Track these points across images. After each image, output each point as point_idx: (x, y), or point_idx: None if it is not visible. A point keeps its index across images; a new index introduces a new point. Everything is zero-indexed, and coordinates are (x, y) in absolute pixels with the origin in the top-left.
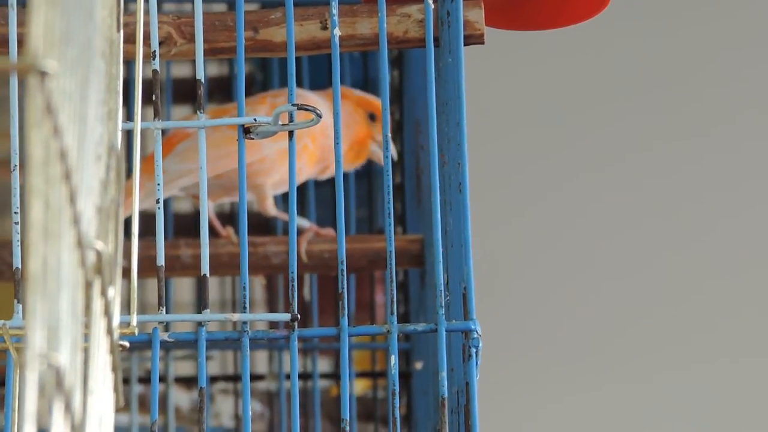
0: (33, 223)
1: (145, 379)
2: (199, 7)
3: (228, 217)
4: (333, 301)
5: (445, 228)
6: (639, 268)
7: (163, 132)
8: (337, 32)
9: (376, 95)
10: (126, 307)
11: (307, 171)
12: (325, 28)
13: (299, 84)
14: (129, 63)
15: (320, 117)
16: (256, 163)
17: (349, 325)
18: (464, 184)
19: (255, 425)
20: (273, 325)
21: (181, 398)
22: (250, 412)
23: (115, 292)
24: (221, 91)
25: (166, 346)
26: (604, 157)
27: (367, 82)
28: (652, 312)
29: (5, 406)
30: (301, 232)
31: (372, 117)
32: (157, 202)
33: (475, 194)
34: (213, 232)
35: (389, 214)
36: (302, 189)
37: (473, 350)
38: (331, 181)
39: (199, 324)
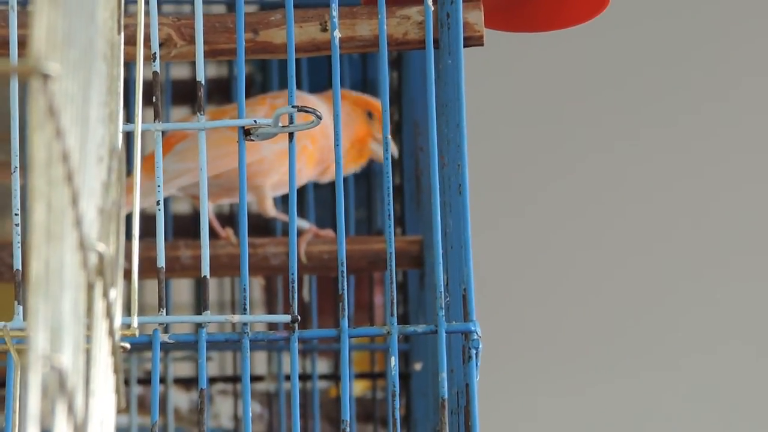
0: (36, 225)
1: (144, 381)
2: (199, 9)
3: (227, 218)
4: (332, 302)
5: (445, 229)
6: (640, 268)
7: (162, 132)
8: (337, 34)
9: (376, 97)
10: (125, 309)
11: (306, 172)
12: (324, 29)
13: (298, 86)
14: (128, 65)
15: (320, 118)
16: (255, 164)
17: (348, 326)
18: (464, 186)
19: (254, 426)
20: (272, 326)
21: (180, 399)
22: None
23: (116, 294)
24: (220, 92)
25: (165, 348)
26: (604, 159)
27: (366, 83)
28: (654, 312)
29: (5, 408)
30: (300, 233)
31: (370, 115)
32: (158, 203)
33: (475, 196)
34: (212, 233)
35: (389, 215)
36: (301, 190)
37: (473, 351)
38: (330, 183)
39: (199, 325)
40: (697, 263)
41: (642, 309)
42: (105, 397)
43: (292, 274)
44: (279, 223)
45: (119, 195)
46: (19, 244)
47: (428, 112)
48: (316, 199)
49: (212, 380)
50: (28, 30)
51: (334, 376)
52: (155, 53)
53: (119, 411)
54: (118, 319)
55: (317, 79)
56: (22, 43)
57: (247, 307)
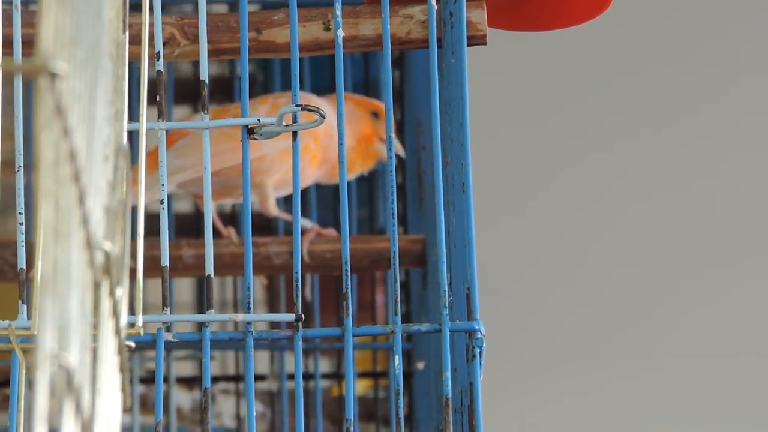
0: (44, 224)
1: (147, 380)
2: (202, 9)
3: (229, 217)
4: (334, 301)
5: (448, 228)
6: (642, 268)
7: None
8: (340, 33)
9: (378, 96)
10: (129, 308)
11: (309, 172)
12: (328, 29)
13: (300, 85)
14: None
15: (324, 117)
16: (256, 161)
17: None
18: (467, 185)
19: (256, 425)
20: (275, 325)
21: (182, 398)
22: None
23: (122, 293)
24: (221, 91)
25: (167, 347)
26: (607, 158)
27: (368, 83)
28: (657, 311)
29: (10, 407)
30: (303, 232)
31: (376, 115)
32: (162, 202)
33: (478, 194)
34: (214, 232)
35: (393, 214)
36: (304, 190)
37: (477, 350)
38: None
39: (203, 324)
40: (701, 263)
41: (645, 308)
42: (111, 396)
43: (296, 273)
44: (281, 222)
45: (125, 194)
46: (23, 243)
47: (432, 111)
48: (318, 199)
49: (214, 379)
50: (35, 29)
51: (336, 375)
52: (159, 52)
53: (124, 410)
54: (124, 318)
55: (319, 79)
56: (27, 43)
57: (251, 305)
